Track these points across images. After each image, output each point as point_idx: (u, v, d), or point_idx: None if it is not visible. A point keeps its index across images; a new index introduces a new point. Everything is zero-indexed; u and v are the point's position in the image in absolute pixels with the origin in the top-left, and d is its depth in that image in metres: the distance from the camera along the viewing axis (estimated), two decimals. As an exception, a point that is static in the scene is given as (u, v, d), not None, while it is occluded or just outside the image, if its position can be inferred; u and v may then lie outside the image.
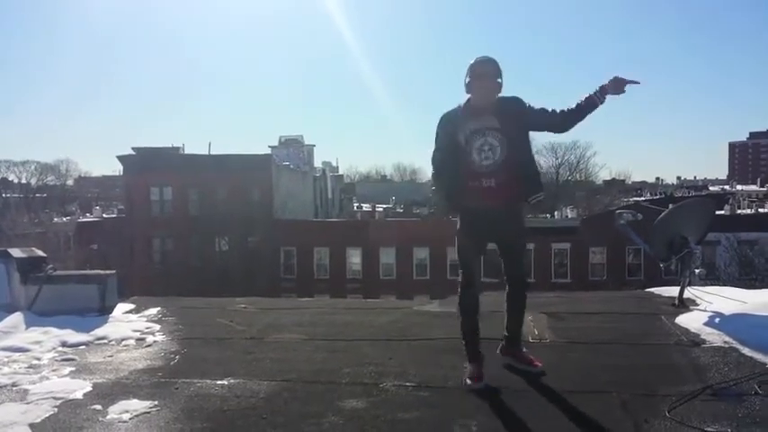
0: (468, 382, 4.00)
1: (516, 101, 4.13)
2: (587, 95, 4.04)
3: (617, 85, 4.02)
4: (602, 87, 4.03)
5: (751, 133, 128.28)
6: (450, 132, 4.13)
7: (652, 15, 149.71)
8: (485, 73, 4.07)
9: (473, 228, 4.14)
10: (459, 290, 4.20)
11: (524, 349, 4.37)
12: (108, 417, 3.62)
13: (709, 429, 3.27)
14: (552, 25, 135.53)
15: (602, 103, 4.04)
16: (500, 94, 4.13)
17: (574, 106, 4.08)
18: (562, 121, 4.12)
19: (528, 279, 4.48)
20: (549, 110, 4.12)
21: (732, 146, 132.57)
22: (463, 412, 3.62)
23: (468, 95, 4.15)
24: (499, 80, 4.10)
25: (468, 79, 4.10)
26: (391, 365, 4.46)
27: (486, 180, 4.04)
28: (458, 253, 4.24)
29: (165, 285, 27.52)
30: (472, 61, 4.11)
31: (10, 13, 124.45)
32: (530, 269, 36.66)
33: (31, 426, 3.50)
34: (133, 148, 42.89)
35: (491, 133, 4.04)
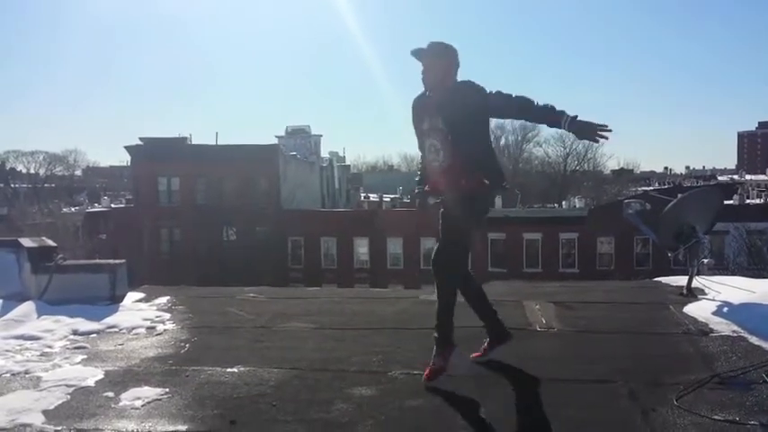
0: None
1: (470, 90, 3.92)
2: (560, 113, 3.77)
3: (588, 131, 3.76)
4: (574, 121, 3.74)
5: (760, 123, 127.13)
6: (414, 124, 4.17)
7: (659, 5, 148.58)
8: (429, 65, 3.99)
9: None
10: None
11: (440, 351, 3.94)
12: (120, 404, 3.66)
13: (717, 418, 3.28)
14: (559, 16, 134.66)
15: (560, 128, 3.82)
16: (455, 79, 4.00)
17: (539, 106, 3.82)
18: (518, 112, 3.95)
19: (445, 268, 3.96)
20: (508, 95, 3.87)
21: (741, 135, 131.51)
22: (471, 400, 3.64)
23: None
24: (451, 68, 3.98)
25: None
26: (399, 354, 4.48)
27: (435, 177, 4.11)
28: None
29: (173, 275, 27.65)
30: (412, 52, 4.03)
31: (17, 3, 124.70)
32: (537, 259, 36.71)
33: (45, 412, 3.54)
34: (141, 139, 42.97)
35: (434, 134, 3.99)
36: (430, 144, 4.05)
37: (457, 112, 3.90)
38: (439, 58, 4.00)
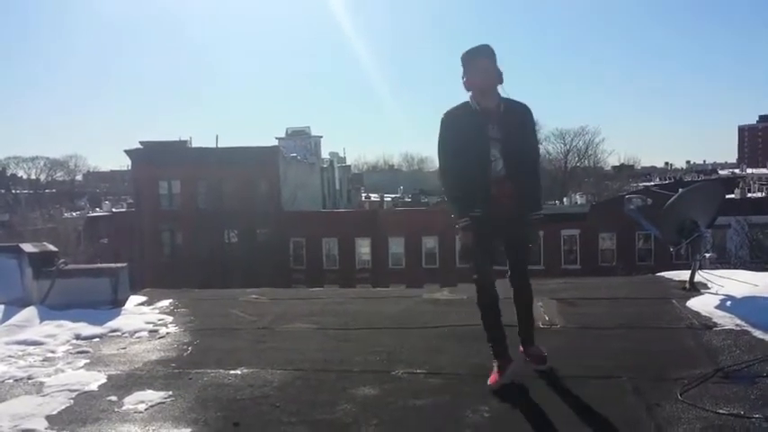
0: (489, 382, 3.83)
1: (524, 112, 3.98)
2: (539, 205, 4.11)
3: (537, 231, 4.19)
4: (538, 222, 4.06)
5: (760, 116, 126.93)
6: (466, 133, 3.88)
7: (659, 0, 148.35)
8: (487, 68, 3.83)
9: (485, 231, 3.93)
10: (476, 291, 4.04)
11: (533, 344, 4.10)
12: (123, 408, 3.66)
13: (721, 411, 3.27)
14: (557, 13, 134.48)
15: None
16: (507, 96, 3.93)
17: (538, 191, 4.12)
18: (534, 163, 4.14)
19: (529, 275, 4.14)
20: (536, 160, 4.17)
21: (741, 129, 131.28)
22: (475, 398, 3.64)
23: (470, 93, 3.90)
24: (501, 68, 3.87)
25: (466, 77, 3.87)
26: (402, 353, 4.48)
27: (493, 188, 3.87)
28: (474, 251, 4.03)
29: (174, 278, 27.60)
30: (465, 53, 3.85)
31: (17, 9, 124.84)
32: (539, 256, 36.70)
33: (48, 418, 3.54)
34: (141, 143, 43.00)
35: (493, 143, 3.86)
36: (494, 153, 3.88)
37: (513, 127, 3.91)
38: (495, 60, 3.88)
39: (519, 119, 3.96)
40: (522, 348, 4.11)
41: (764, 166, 78.61)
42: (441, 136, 3.98)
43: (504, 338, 3.93)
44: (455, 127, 3.92)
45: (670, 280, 6.55)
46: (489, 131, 3.87)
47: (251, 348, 4.79)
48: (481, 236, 3.91)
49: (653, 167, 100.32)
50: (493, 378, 3.82)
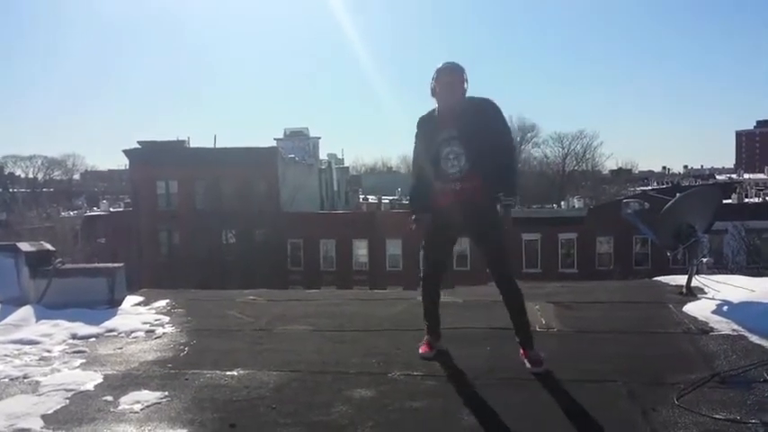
0: (420, 351, 4.40)
1: (484, 105, 4.20)
2: (514, 194, 4.17)
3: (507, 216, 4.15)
4: (509, 207, 4.12)
5: (758, 122, 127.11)
6: (425, 138, 4.28)
7: (658, 3, 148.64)
8: (450, 82, 4.16)
9: (442, 224, 4.24)
10: (420, 282, 4.49)
11: (532, 349, 4.13)
12: (119, 408, 3.65)
13: (717, 417, 3.27)
14: (557, 13, 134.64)
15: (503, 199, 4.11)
16: (468, 95, 4.22)
17: (508, 175, 4.20)
18: (508, 154, 4.25)
19: (514, 277, 4.24)
20: (503, 144, 4.22)
21: (739, 134, 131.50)
22: (470, 401, 3.64)
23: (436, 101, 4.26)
24: (465, 86, 4.20)
25: (433, 85, 4.21)
26: (398, 355, 4.47)
27: (453, 185, 4.16)
28: (424, 248, 4.38)
29: (172, 278, 27.59)
30: (438, 67, 4.20)
31: (16, 8, 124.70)
32: (536, 260, 36.72)
33: (44, 417, 3.53)
34: (139, 142, 42.94)
35: (454, 142, 4.15)
36: (448, 152, 4.16)
37: (472, 123, 4.13)
38: (463, 75, 4.20)
39: (477, 110, 4.18)
40: (521, 351, 4.15)
41: (762, 172, 78.75)
42: (414, 143, 4.40)
43: (438, 324, 4.48)
44: (420, 134, 4.34)
45: (667, 284, 6.56)
46: (446, 133, 4.16)
47: (248, 349, 4.78)
48: (435, 235, 4.29)
49: (650, 172, 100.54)
50: (423, 348, 4.41)
